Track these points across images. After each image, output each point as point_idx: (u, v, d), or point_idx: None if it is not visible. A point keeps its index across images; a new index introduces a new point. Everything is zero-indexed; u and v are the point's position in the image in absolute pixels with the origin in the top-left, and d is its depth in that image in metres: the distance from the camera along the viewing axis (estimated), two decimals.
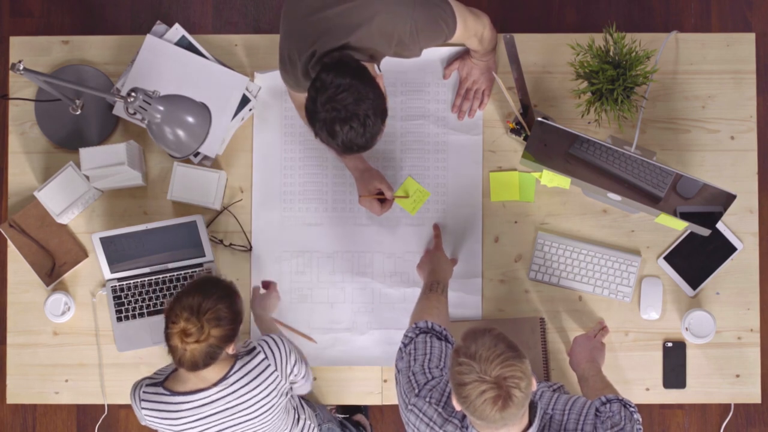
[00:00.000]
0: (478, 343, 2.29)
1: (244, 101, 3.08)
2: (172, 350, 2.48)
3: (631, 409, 2.54)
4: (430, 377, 2.56)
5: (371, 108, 2.52)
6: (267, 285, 3.02)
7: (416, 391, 2.55)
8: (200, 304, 2.46)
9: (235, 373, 2.61)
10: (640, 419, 2.58)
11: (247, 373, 2.62)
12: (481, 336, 2.30)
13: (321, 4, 2.61)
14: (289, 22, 2.66)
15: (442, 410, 2.50)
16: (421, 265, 2.97)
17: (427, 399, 2.52)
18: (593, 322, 3.04)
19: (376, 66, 2.66)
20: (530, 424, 2.41)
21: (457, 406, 2.35)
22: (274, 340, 2.68)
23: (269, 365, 2.64)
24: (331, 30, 2.60)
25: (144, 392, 2.63)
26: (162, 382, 2.63)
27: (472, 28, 2.80)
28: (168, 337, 2.48)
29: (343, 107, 2.50)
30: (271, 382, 2.65)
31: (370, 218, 3.08)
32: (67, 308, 3.04)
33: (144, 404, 2.62)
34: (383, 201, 3.01)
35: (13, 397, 3.08)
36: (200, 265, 3.06)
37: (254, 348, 2.66)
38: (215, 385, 2.60)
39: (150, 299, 3.05)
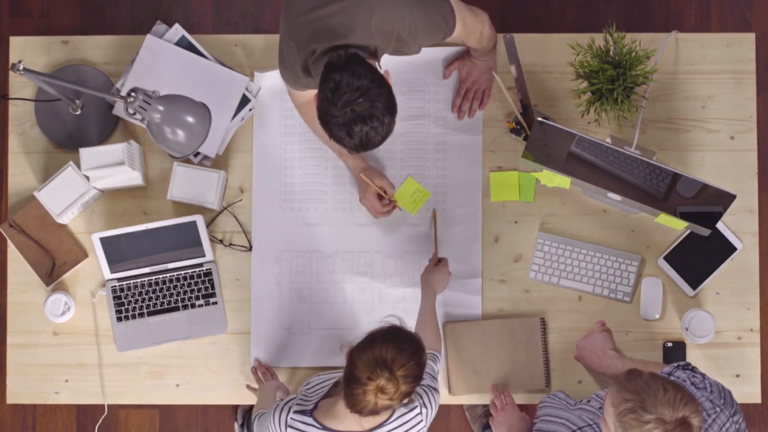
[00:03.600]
0: (649, 394, 2.32)
1: (244, 101, 3.08)
2: (357, 399, 2.41)
3: (691, 368, 2.63)
4: None
5: (387, 107, 2.54)
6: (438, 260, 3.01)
7: None
8: (394, 359, 2.40)
9: (391, 422, 2.57)
10: (697, 367, 2.68)
11: (401, 425, 2.58)
12: (645, 385, 2.34)
13: (321, 1, 2.61)
14: (288, 19, 2.66)
15: None
16: (498, 426, 2.93)
17: None
18: (593, 322, 3.04)
19: (377, 63, 2.66)
20: None
21: None
22: (432, 395, 2.64)
23: (421, 421, 2.61)
24: (330, 27, 2.60)
25: (292, 419, 2.57)
26: (311, 412, 2.58)
27: (471, 26, 2.80)
28: (360, 390, 2.40)
29: (363, 109, 2.51)
30: None
31: (371, 218, 3.08)
32: (67, 308, 3.04)
33: (290, 431, 2.58)
34: (383, 203, 3.01)
35: (13, 397, 3.08)
36: (200, 265, 3.06)
37: (412, 400, 2.58)
38: (370, 430, 2.55)
39: (150, 299, 3.05)
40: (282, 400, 2.64)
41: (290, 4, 2.67)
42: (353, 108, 2.50)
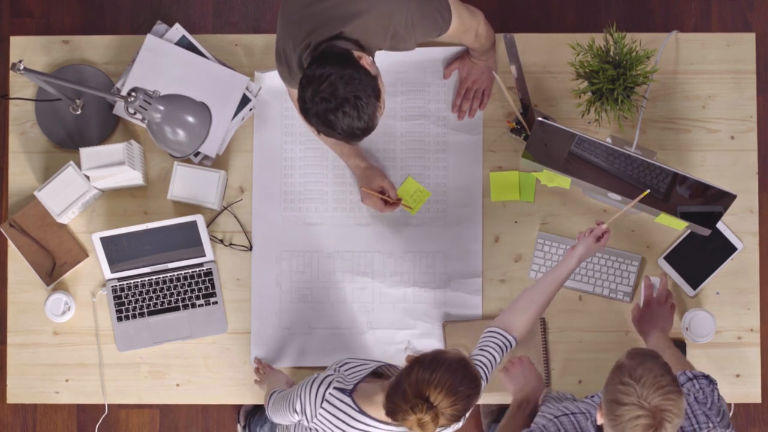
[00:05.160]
0: (646, 368, 2.30)
1: (245, 101, 3.08)
2: (394, 411, 2.36)
3: (715, 385, 2.61)
4: None
5: (360, 89, 2.48)
6: None
7: None
8: (445, 396, 2.34)
9: None
10: (716, 385, 2.66)
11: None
12: (650, 361, 2.32)
13: None
14: (286, 15, 2.66)
15: None
16: (513, 378, 2.92)
17: None
18: (594, 322, 3.03)
19: (367, 56, 2.60)
20: None
21: (600, 420, 2.38)
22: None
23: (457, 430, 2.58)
24: (326, 21, 2.58)
25: (331, 394, 2.55)
26: (351, 392, 2.55)
27: (467, 23, 2.80)
28: (400, 412, 2.35)
29: (331, 95, 2.47)
30: None
31: (371, 218, 3.08)
32: (67, 308, 3.04)
33: (326, 405, 2.54)
34: (387, 199, 3.02)
35: (13, 397, 3.08)
36: (200, 264, 3.06)
37: None
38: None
39: (150, 299, 3.05)
40: (319, 374, 2.61)
41: (288, 2, 2.66)
42: (323, 97, 2.47)
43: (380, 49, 2.70)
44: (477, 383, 2.39)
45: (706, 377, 2.62)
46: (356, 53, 2.55)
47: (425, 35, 2.70)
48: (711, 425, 2.50)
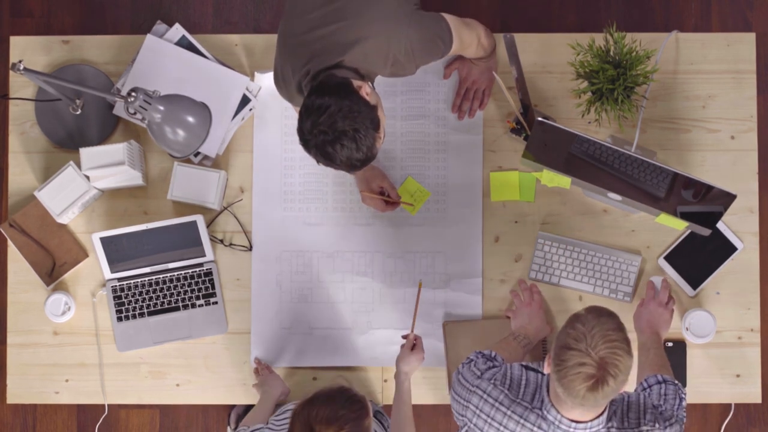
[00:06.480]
0: (601, 321, 2.31)
1: (245, 101, 3.08)
2: None
3: (682, 395, 2.62)
4: (490, 365, 2.60)
5: (359, 121, 2.47)
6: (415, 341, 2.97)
7: (478, 374, 2.58)
8: (329, 424, 2.35)
9: None
10: (685, 407, 2.66)
11: None
12: (607, 317, 2.33)
13: (317, 23, 2.58)
14: (284, 38, 2.64)
15: (508, 392, 2.51)
16: (519, 315, 2.98)
17: (492, 381, 2.55)
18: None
19: (368, 84, 2.59)
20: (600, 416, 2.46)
21: (547, 369, 2.38)
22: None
23: None
24: (325, 48, 2.57)
25: None
26: None
27: (467, 40, 2.79)
28: None
29: (329, 128, 2.46)
30: None
31: (371, 218, 3.08)
32: (67, 308, 3.04)
33: None
34: (387, 199, 3.02)
35: (13, 397, 3.08)
36: (200, 264, 3.06)
37: None
38: None
39: (150, 299, 3.05)
40: (248, 427, 2.63)
41: (287, 24, 2.64)
42: (321, 129, 2.46)
43: (378, 75, 2.66)
44: (360, 404, 2.40)
45: (675, 385, 2.63)
46: (356, 83, 2.53)
47: (426, 60, 2.68)
48: (656, 426, 2.50)
